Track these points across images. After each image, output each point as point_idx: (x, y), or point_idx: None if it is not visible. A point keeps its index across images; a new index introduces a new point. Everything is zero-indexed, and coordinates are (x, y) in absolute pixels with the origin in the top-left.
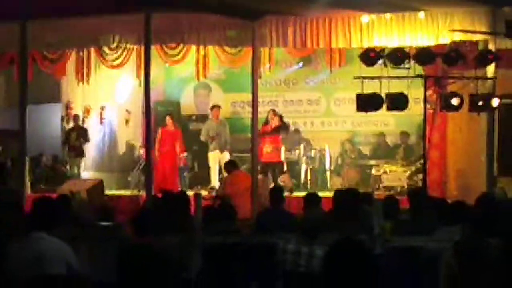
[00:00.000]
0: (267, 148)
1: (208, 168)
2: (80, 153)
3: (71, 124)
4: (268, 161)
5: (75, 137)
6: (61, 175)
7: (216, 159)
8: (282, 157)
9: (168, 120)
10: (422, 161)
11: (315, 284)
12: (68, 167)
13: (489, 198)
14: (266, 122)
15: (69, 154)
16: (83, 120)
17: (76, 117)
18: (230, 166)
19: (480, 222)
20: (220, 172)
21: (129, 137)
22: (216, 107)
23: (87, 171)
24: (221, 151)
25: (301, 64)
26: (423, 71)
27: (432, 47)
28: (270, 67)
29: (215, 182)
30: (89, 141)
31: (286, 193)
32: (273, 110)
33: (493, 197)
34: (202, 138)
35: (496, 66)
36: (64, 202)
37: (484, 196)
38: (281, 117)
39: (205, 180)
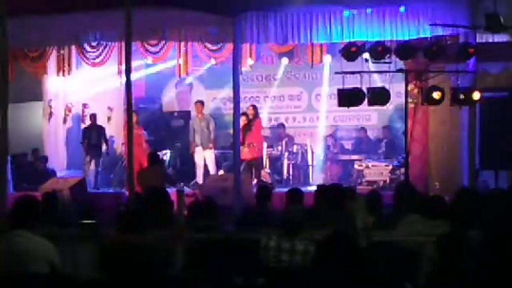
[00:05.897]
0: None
1: (191, 164)
2: (99, 153)
3: (87, 123)
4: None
5: (97, 136)
6: (43, 174)
7: (201, 155)
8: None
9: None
10: (404, 155)
11: (298, 278)
12: (86, 167)
13: (470, 192)
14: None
15: (89, 154)
16: (65, 118)
17: (93, 116)
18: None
19: (461, 215)
20: (205, 168)
21: (111, 134)
22: (198, 102)
23: (69, 169)
24: (204, 148)
25: None
26: (404, 65)
27: (413, 41)
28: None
29: (200, 178)
30: (108, 140)
31: None
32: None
33: (473, 191)
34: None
35: (477, 60)
36: (51, 200)
37: (464, 189)
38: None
39: (188, 176)
